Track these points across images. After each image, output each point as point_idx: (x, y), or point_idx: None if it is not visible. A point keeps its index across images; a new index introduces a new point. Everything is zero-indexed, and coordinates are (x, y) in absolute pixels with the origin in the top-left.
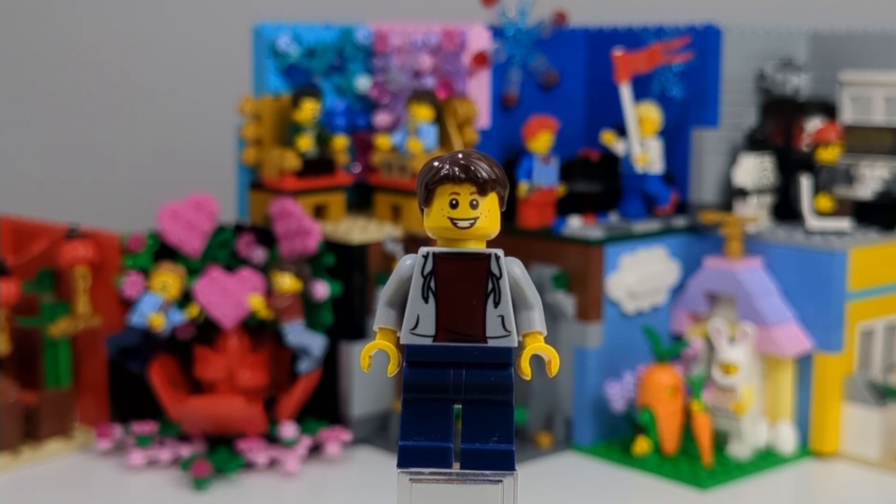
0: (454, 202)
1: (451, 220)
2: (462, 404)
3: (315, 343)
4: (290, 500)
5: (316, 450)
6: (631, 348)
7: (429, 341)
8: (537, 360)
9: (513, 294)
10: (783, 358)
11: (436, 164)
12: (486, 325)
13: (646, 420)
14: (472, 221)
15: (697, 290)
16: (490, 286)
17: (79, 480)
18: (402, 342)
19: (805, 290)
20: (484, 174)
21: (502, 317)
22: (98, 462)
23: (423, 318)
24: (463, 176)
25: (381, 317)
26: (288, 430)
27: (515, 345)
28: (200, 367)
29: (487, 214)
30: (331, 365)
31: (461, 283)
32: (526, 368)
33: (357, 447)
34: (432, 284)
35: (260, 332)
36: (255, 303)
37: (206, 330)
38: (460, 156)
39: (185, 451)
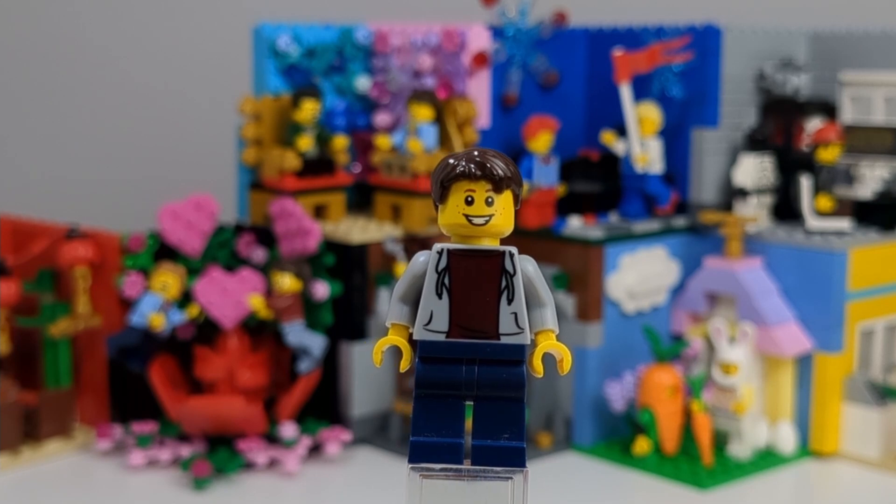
0: (469, 199)
1: (467, 216)
2: (474, 401)
3: (315, 343)
4: (290, 500)
5: (316, 450)
6: (631, 348)
7: (442, 337)
8: (547, 358)
9: (526, 292)
10: (783, 358)
11: (451, 161)
12: (499, 322)
13: (646, 420)
14: (487, 218)
15: (697, 290)
16: (504, 283)
17: (79, 480)
18: (414, 338)
19: (805, 290)
20: (500, 171)
21: (515, 314)
22: (98, 462)
23: (436, 315)
24: (479, 173)
25: (394, 312)
26: (288, 430)
27: (528, 342)
28: (200, 367)
29: (502, 212)
30: (331, 365)
31: (475, 279)
32: (538, 366)
33: (357, 447)
34: (446, 281)
35: (260, 332)
36: (255, 303)
37: (206, 330)
38: (476, 153)
39: (185, 451)
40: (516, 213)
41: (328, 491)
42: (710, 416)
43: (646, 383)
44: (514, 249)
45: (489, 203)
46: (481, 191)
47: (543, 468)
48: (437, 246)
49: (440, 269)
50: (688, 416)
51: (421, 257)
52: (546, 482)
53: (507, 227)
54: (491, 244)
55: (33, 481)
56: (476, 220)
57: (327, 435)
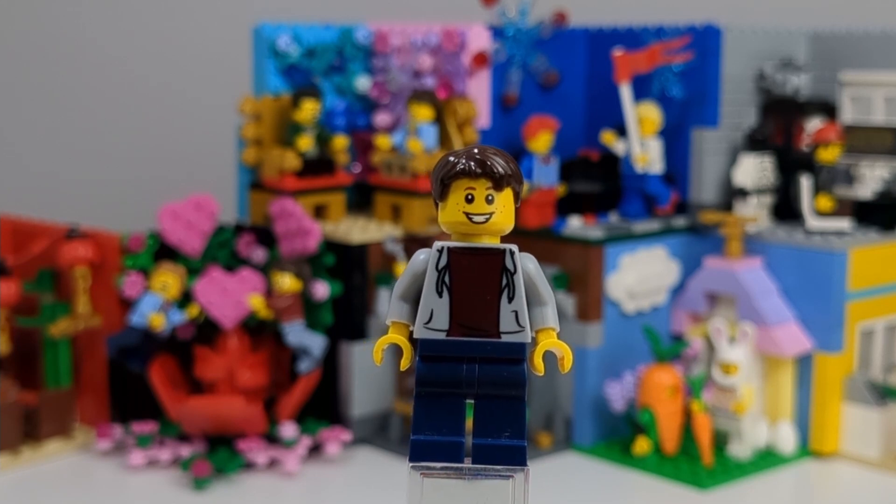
0: (470, 197)
1: (467, 214)
2: (474, 399)
3: (315, 343)
4: (290, 500)
5: (316, 450)
6: (631, 348)
7: (442, 336)
8: (548, 357)
9: (526, 290)
10: (783, 358)
11: (451, 158)
12: (499, 320)
13: (646, 420)
14: (487, 216)
15: (697, 290)
16: (504, 281)
17: (79, 480)
18: (415, 336)
19: (805, 290)
20: (500, 169)
21: (516, 312)
22: (98, 462)
23: (436, 313)
24: (479, 171)
25: (395, 311)
26: (288, 430)
27: (529, 340)
28: (200, 367)
29: (503, 209)
30: (331, 365)
31: (475, 277)
32: (539, 364)
33: (357, 447)
34: (446, 279)
35: (260, 332)
36: (255, 303)
37: (206, 330)
38: (476, 151)
39: (185, 451)
40: (517, 210)
41: (328, 491)
42: (710, 416)
43: (646, 383)
44: (514, 247)
45: (489, 201)
46: (481, 188)
47: (543, 468)
48: (438, 244)
49: (440, 267)
50: (688, 416)
51: (421, 255)
52: (546, 482)
53: (508, 224)
54: (491, 242)
55: (33, 481)
56: (476, 218)
57: (327, 435)
